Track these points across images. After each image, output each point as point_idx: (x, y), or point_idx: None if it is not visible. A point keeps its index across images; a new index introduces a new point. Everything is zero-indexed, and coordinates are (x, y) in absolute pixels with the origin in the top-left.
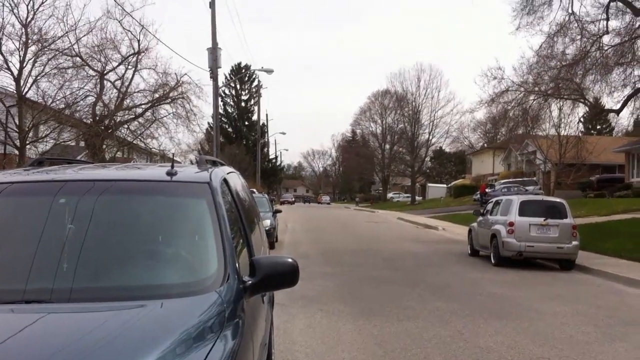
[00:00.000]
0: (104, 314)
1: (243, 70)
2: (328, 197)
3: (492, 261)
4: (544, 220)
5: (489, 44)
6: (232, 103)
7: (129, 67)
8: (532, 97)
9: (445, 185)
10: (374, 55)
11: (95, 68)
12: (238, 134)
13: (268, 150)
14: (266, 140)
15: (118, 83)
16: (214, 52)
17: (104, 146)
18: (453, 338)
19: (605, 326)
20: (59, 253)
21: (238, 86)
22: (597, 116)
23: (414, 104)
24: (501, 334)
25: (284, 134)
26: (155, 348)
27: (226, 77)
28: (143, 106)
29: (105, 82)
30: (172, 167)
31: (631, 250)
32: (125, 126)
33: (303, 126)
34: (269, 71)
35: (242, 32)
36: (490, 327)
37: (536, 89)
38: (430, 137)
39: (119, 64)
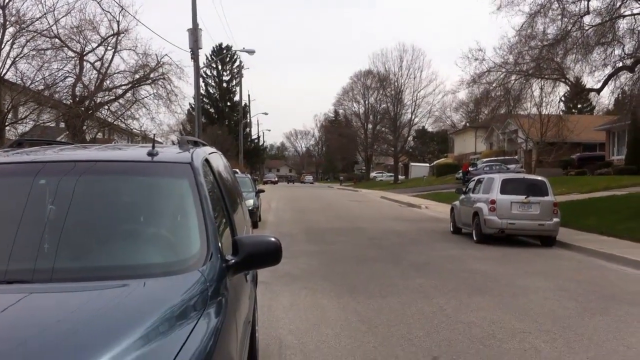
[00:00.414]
0: (87, 294)
1: (224, 51)
2: (311, 177)
3: (474, 238)
4: (526, 197)
5: (471, 23)
6: (213, 84)
7: (109, 48)
8: (513, 77)
9: (427, 165)
10: (356, 36)
11: (75, 49)
12: (220, 115)
13: (250, 131)
14: (248, 120)
15: (98, 64)
16: (194, 33)
17: (85, 127)
18: (435, 314)
19: (585, 301)
20: (40, 234)
21: (219, 67)
22: (578, 95)
23: (396, 84)
24: (483, 309)
25: (266, 114)
26: (139, 326)
27: (207, 58)
28: (123, 87)
29: (84, 63)
30: (153, 147)
31: (611, 227)
32: (106, 107)
33: (286, 106)
34: (251, 52)
35: (223, 12)
36: (473, 303)
37: (517, 68)
38: (413, 117)
39: (99, 45)
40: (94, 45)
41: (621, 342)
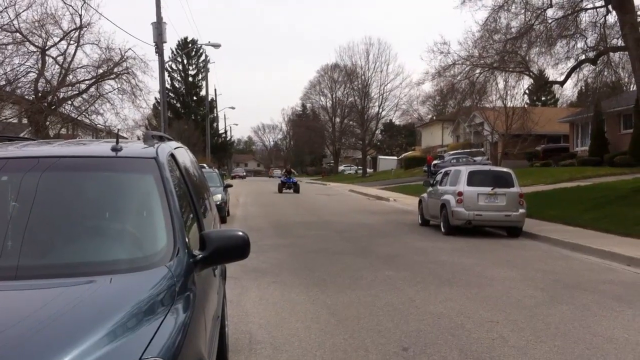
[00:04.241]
0: (52, 291)
1: (190, 45)
2: (279, 171)
3: (442, 230)
4: (492, 189)
5: (436, 17)
6: (179, 78)
7: (71, 42)
8: (478, 70)
9: (395, 158)
10: (324, 30)
11: (37, 44)
12: (186, 109)
13: (217, 125)
14: (215, 115)
15: (60, 59)
16: (158, 27)
17: (48, 123)
18: (405, 305)
19: (551, 290)
20: (4, 231)
21: (185, 61)
22: (542, 88)
23: (363, 77)
24: (451, 300)
25: (233, 108)
26: (105, 323)
27: (172, 52)
28: (87, 82)
29: (47, 58)
30: (117, 142)
31: (576, 217)
32: (69, 102)
33: (253, 101)
34: (216, 45)
35: (187, 6)
36: (441, 294)
37: (482, 62)
38: (380, 110)
39: (61, 40)
40: (57, 39)
41: (587, 331)
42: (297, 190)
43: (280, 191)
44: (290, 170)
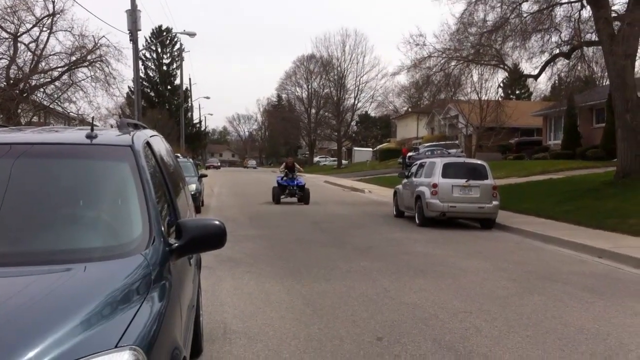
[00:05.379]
0: (25, 279)
1: (164, 33)
2: (254, 162)
3: (417, 222)
4: (466, 181)
5: (414, 10)
6: (153, 67)
7: (44, 29)
8: (453, 63)
9: (371, 149)
10: (300, 20)
11: (9, 30)
12: (160, 99)
13: (192, 115)
14: (190, 104)
15: (32, 46)
16: (133, 14)
17: (19, 110)
18: (379, 295)
19: (523, 281)
20: None
21: (159, 49)
22: (516, 81)
23: (339, 68)
24: (426, 290)
25: (208, 98)
26: (81, 310)
27: (147, 40)
28: (60, 69)
29: (19, 44)
30: (92, 130)
31: (548, 210)
32: (41, 90)
33: (228, 91)
34: (192, 34)
35: None
36: (415, 284)
37: (457, 54)
38: (356, 102)
39: (33, 26)
40: (29, 26)
41: (558, 321)
42: (306, 200)
43: (276, 201)
44: (293, 164)
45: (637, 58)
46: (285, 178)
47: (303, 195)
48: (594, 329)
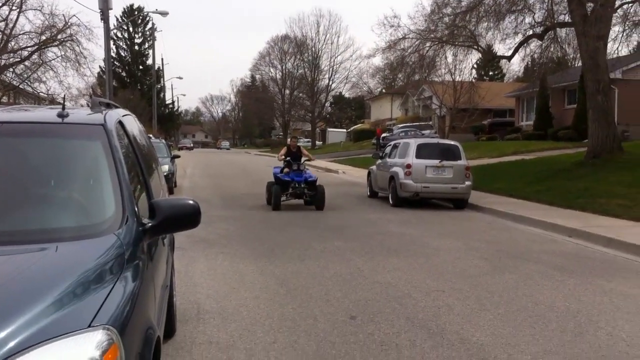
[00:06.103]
0: None
1: (136, 13)
2: (228, 143)
3: (391, 202)
4: (439, 162)
5: None
6: (125, 47)
7: (14, 7)
8: (428, 44)
9: (345, 130)
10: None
11: None
12: (132, 79)
13: (164, 96)
14: (162, 85)
15: (2, 25)
16: None
17: None
18: (353, 275)
19: (495, 260)
20: None
21: (131, 29)
22: (490, 62)
23: (313, 49)
24: (399, 269)
25: (180, 78)
26: (52, 290)
27: (118, 20)
28: (29, 49)
29: None
30: (63, 108)
31: (520, 190)
32: (11, 70)
33: (201, 71)
34: (164, 13)
35: None
36: (389, 264)
37: (432, 36)
38: (330, 83)
39: (3, 5)
40: None
41: (529, 299)
42: (318, 203)
43: (274, 205)
44: (299, 149)
45: (609, 40)
46: (286, 170)
47: (315, 197)
48: (564, 307)
